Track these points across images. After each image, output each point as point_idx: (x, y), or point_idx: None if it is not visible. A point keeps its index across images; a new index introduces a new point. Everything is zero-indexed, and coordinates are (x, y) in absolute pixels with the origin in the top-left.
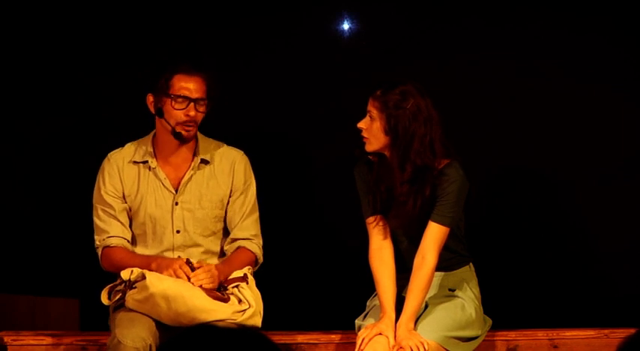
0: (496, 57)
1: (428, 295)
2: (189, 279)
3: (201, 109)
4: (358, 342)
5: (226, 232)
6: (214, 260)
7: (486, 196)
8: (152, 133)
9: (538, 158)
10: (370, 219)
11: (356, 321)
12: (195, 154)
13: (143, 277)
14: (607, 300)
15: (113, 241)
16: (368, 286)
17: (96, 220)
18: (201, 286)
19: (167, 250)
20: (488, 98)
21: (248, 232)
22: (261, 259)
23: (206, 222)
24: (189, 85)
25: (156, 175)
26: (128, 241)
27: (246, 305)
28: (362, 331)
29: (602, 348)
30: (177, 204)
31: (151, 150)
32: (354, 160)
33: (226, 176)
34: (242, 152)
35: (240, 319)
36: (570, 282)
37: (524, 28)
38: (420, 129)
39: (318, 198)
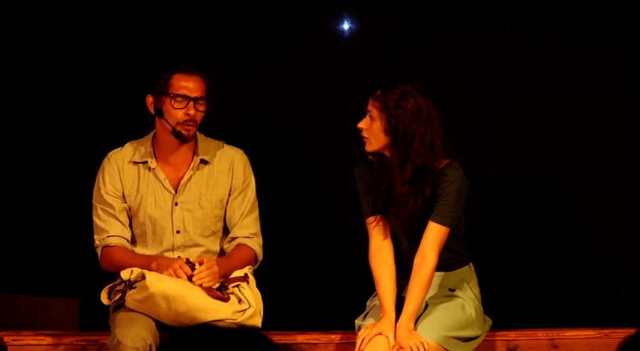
0: (496, 57)
1: (428, 295)
2: (189, 279)
3: (201, 108)
4: (358, 342)
5: (226, 231)
6: None
7: (486, 196)
8: (152, 134)
9: (538, 158)
10: (370, 219)
11: (356, 321)
12: (194, 154)
13: (143, 277)
14: (607, 300)
15: (113, 241)
16: (368, 286)
17: (95, 219)
18: (201, 285)
19: (167, 250)
20: (488, 98)
21: (248, 231)
22: (260, 257)
23: (206, 222)
24: (188, 84)
25: (156, 175)
26: (128, 240)
27: (246, 305)
28: (362, 331)
29: (602, 348)
30: (176, 204)
31: (151, 150)
32: (354, 160)
33: (225, 175)
34: (241, 151)
35: (240, 319)
36: (570, 282)
37: (524, 28)
38: (420, 129)
39: (318, 198)
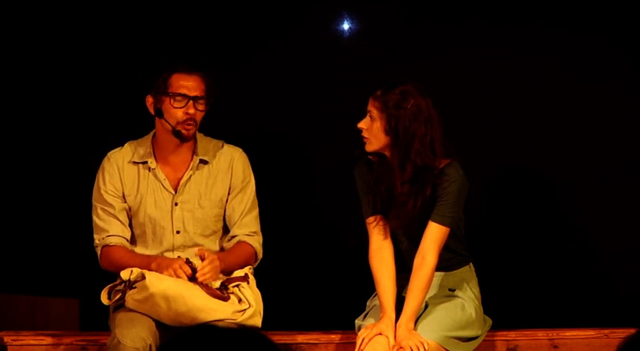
0: (496, 57)
1: (428, 295)
2: (189, 279)
3: (200, 107)
4: (358, 342)
5: (226, 230)
6: None
7: (486, 196)
8: (151, 134)
9: (538, 158)
10: (370, 219)
11: (356, 321)
12: (194, 154)
13: (143, 277)
14: (607, 300)
15: (112, 240)
16: (368, 286)
17: (95, 219)
18: (201, 284)
19: (167, 250)
20: (488, 98)
21: (248, 229)
22: (260, 255)
23: (206, 221)
24: (187, 84)
25: (155, 175)
26: (127, 240)
27: (246, 305)
28: (362, 331)
29: (602, 348)
30: (176, 204)
31: (151, 150)
32: (354, 160)
33: (225, 174)
34: (240, 150)
35: (240, 318)
36: (570, 282)
37: (524, 28)
38: (420, 129)
39: (318, 198)
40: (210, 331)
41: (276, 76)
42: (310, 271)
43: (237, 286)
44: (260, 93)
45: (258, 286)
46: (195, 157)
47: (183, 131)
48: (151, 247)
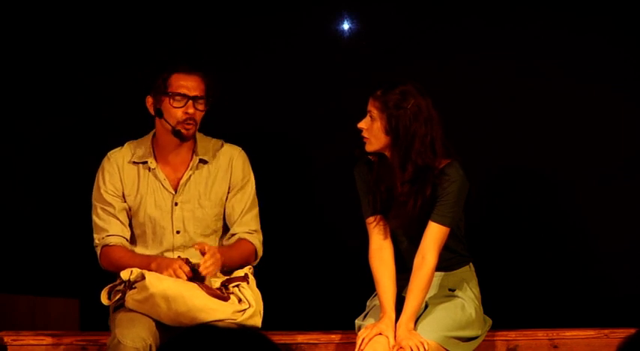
0: (496, 57)
1: (428, 295)
2: (189, 279)
3: (200, 107)
4: (358, 342)
5: (226, 229)
6: None
7: (486, 196)
8: (151, 133)
9: (538, 158)
10: (370, 219)
11: (356, 321)
12: (193, 153)
13: (143, 278)
14: (607, 300)
15: (112, 240)
16: (368, 286)
17: (95, 218)
18: (201, 284)
19: (167, 250)
20: (488, 98)
21: (248, 227)
22: (260, 253)
23: (207, 221)
24: (187, 83)
25: (155, 175)
26: (127, 240)
27: (246, 305)
28: (362, 331)
29: (602, 348)
30: (176, 204)
31: (151, 150)
32: (354, 160)
33: (224, 173)
34: (240, 149)
35: (240, 318)
36: (570, 282)
37: (524, 28)
38: (420, 129)
39: (318, 198)
40: (210, 331)
41: (276, 76)
42: (310, 271)
43: (237, 286)
44: (260, 93)
45: (258, 286)
46: (195, 156)
47: (183, 131)
48: (151, 247)
